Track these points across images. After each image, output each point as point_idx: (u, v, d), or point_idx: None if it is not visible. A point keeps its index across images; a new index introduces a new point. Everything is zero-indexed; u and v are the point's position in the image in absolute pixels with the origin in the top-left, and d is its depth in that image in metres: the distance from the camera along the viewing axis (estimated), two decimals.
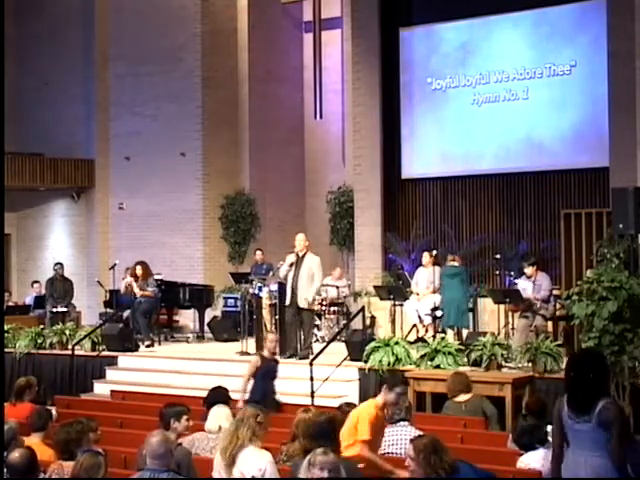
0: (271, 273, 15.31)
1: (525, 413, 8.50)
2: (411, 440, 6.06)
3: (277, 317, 14.33)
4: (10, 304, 19.43)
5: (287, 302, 13.74)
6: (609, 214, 13.20)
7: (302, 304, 13.58)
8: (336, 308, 16.35)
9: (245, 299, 15.47)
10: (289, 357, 13.61)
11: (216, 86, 20.12)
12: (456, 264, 14.55)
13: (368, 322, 15.62)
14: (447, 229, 17.20)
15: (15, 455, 6.10)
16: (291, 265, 13.64)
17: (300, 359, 13.32)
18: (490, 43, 17.04)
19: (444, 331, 14.37)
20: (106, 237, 21.36)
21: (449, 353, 12.12)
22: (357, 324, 14.69)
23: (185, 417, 7.65)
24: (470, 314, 14.70)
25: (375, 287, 16.08)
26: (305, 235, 14.05)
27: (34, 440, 7.71)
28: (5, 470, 6.17)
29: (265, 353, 11.65)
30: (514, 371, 11.67)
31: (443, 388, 10.82)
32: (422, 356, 12.25)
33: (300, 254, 13.69)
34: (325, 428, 6.56)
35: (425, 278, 15.05)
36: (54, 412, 10.52)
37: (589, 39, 15.90)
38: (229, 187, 20.25)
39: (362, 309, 14.42)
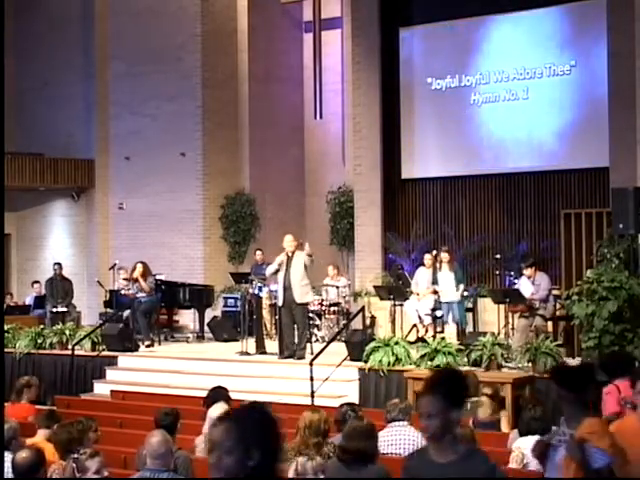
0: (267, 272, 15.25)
1: (531, 406, 8.33)
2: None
3: (277, 317, 14.34)
4: (10, 304, 19.43)
5: (280, 303, 13.76)
6: (609, 214, 13.20)
7: (300, 300, 13.57)
8: (336, 308, 16.34)
9: (245, 299, 15.47)
10: (286, 357, 13.63)
11: (216, 86, 20.10)
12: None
13: (368, 322, 15.63)
14: (447, 229, 17.19)
15: (22, 455, 6.07)
16: (280, 264, 13.63)
17: (298, 359, 13.34)
18: (490, 43, 17.04)
19: (443, 331, 14.38)
20: (106, 237, 21.34)
21: (449, 353, 12.13)
22: (357, 324, 14.70)
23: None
24: (470, 314, 14.70)
25: (375, 287, 16.08)
26: (293, 235, 14.05)
27: (38, 439, 7.70)
28: (10, 469, 6.16)
29: None
30: (514, 371, 11.68)
31: None
32: (422, 356, 12.27)
33: (290, 254, 13.70)
34: (370, 431, 6.63)
35: (425, 278, 15.04)
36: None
37: (589, 39, 15.90)
38: (229, 187, 20.23)
39: (362, 309, 14.43)
